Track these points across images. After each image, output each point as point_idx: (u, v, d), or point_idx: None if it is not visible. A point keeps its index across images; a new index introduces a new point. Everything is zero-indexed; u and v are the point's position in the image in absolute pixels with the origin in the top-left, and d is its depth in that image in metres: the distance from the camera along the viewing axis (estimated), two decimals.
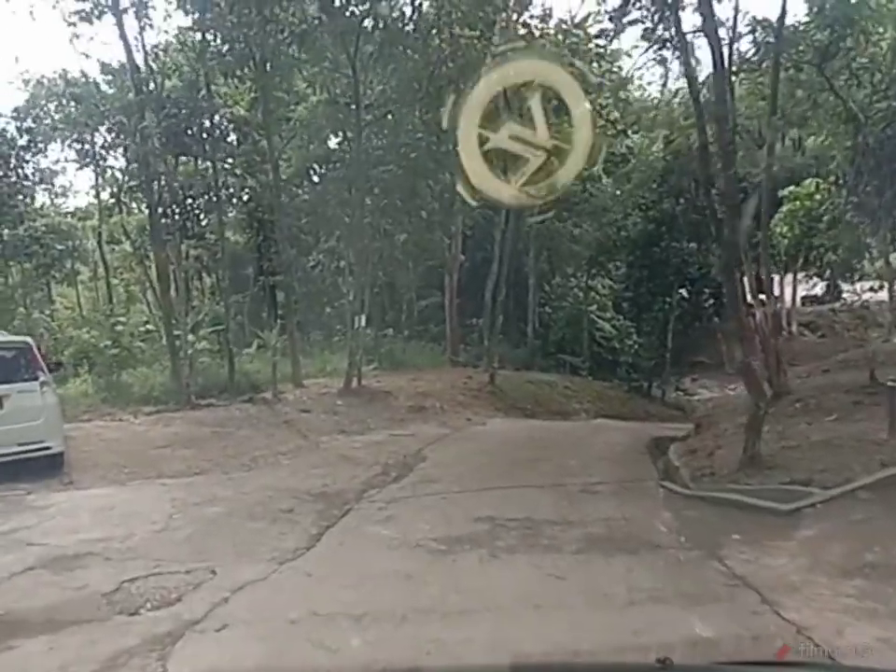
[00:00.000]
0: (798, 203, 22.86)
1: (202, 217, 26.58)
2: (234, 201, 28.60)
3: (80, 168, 26.57)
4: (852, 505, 5.80)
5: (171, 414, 12.89)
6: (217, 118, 21.39)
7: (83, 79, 23.36)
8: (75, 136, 25.71)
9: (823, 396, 10.26)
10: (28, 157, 25.03)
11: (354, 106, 16.07)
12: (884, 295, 21.92)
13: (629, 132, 28.68)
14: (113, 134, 24.16)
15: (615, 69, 28.77)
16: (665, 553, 5.20)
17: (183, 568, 4.98)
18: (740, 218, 7.83)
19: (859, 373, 11.81)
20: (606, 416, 18.48)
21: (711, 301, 27.41)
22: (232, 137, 24.62)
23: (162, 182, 24.40)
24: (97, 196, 28.81)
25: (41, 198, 29.26)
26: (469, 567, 5.03)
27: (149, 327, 20.60)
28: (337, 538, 5.89)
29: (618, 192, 25.29)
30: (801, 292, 31.89)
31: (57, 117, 25.18)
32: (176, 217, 26.43)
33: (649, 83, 30.86)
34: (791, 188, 23.22)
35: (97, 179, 28.31)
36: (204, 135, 21.74)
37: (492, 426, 13.31)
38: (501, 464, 9.16)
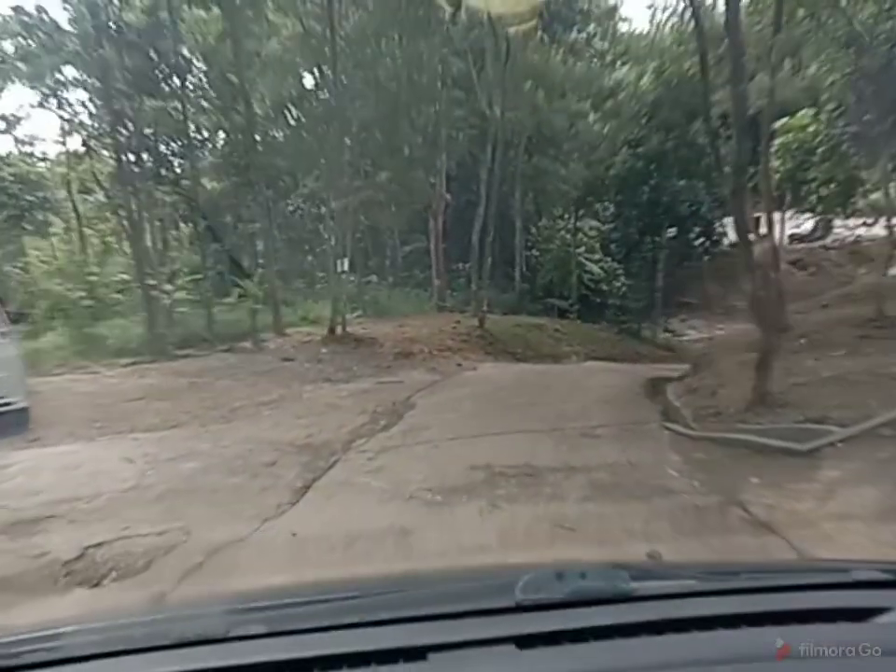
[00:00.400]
0: (791, 135, 22.14)
1: (175, 162, 25.50)
2: (209, 145, 27.53)
3: (42, 107, 25.08)
4: (876, 443, 5.41)
5: (147, 366, 12.34)
6: (183, 50, 20.21)
7: (39, 14, 21.97)
8: (34, 77, 24.31)
9: (829, 331, 9.88)
10: None
11: (329, 36, 15.10)
12: (878, 230, 21.48)
13: (617, 62, 27.80)
14: (76, 72, 22.85)
15: None
16: (681, 500, 4.80)
17: (154, 530, 4.52)
18: (749, 140, 7.25)
19: (861, 307, 11.44)
20: (597, 358, 18.14)
21: (700, 241, 26.98)
22: (201, 73, 23.44)
23: (129, 125, 23.29)
24: (63, 142, 27.57)
25: (6, 146, 27.97)
26: (470, 519, 4.60)
27: (125, 277, 19.84)
28: (324, 491, 5.44)
29: (605, 129, 24.49)
30: (788, 230, 31.42)
31: (14, 55, 23.73)
32: (149, 162, 25.40)
33: (629, 18, 29.87)
34: (785, 119, 22.49)
35: (62, 125, 27.01)
36: (169, 70, 20.62)
37: (483, 370, 12.87)
38: (495, 409, 8.73)
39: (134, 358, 13.79)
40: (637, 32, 29.59)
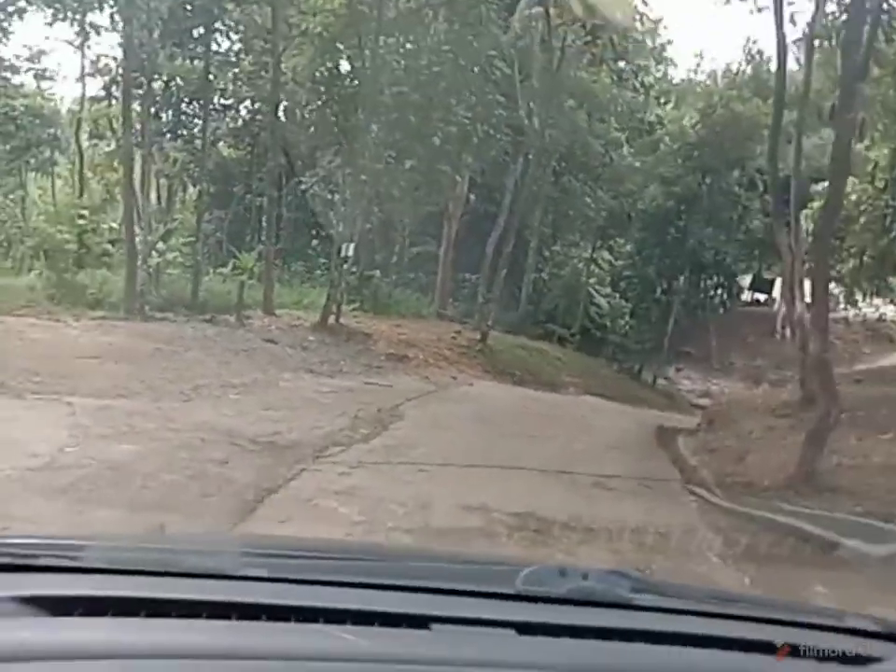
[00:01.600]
0: None
1: (195, 122, 24.38)
2: (231, 111, 26.51)
3: (68, 44, 23.92)
4: None
5: (116, 322, 11.18)
6: (217, 11, 19.20)
7: None
8: (64, 13, 23.23)
9: (871, 409, 8.84)
10: (11, 27, 22.64)
11: (376, 13, 14.12)
12: None
13: (661, 99, 27.00)
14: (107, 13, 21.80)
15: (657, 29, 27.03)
16: None
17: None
18: (845, 180, 6.27)
19: None
20: (596, 394, 17.10)
21: (718, 291, 26.07)
22: (235, 39, 22.46)
23: (154, 77, 22.22)
24: (82, 81, 26.35)
25: (25, 78, 26.80)
26: None
27: (113, 225, 18.72)
28: (278, 511, 4.32)
29: (638, 164, 23.61)
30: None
31: None
32: (168, 117, 24.34)
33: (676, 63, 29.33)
34: (825, 184, 21.71)
35: (83, 64, 25.84)
36: (202, 29, 19.61)
37: (480, 388, 11.75)
38: (494, 436, 7.61)
39: (107, 313, 12.67)
40: (682, 77, 29.19)
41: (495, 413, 9.21)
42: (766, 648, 1.15)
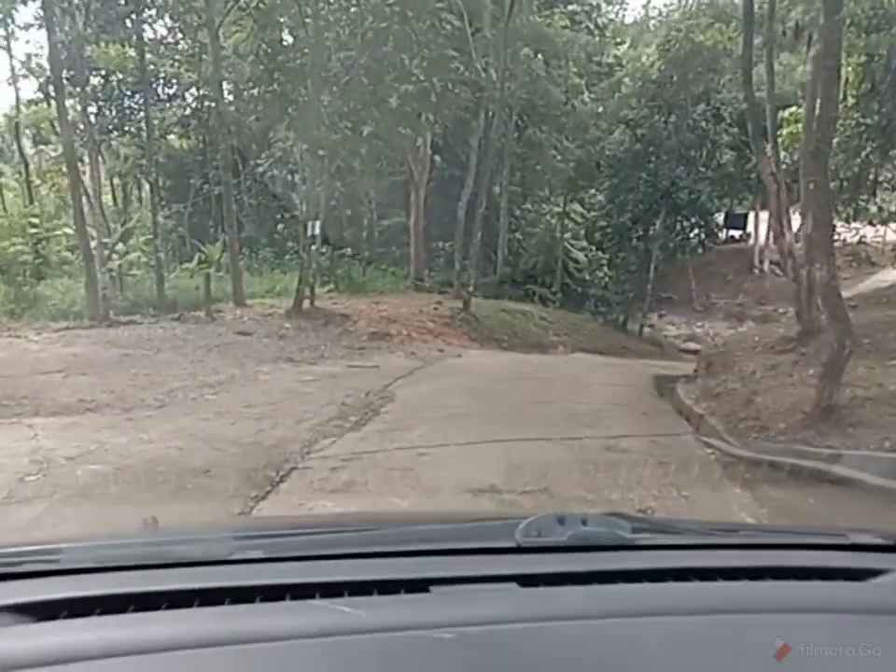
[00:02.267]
0: (801, 125, 20.89)
1: (140, 115, 23.39)
2: (177, 100, 25.49)
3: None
4: None
5: (80, 332, 10.59)
6: None
7: None
8: None
9: (875, 335, 8.54)
10: None
11: None
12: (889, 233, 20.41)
13: (617, 40, 26.33)
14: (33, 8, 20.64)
15: None
16: None
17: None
18: (839, 89, 5.85)
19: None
20: (585, 350, 16.82)
21: (696, 232, 25.74)
22: (168, 21, 21.43)
23: (92, 73, 21.18)
24: (14, 83, 25.14)
25: None
26: None
27: (70, 231, 17.91)
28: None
29: (601, 109, 23.06)
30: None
31: None
32: (112, 112, 23.33)
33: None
34: (793, 109, 21.26)
35: (12, 65, 24.65)
36: (133, 13, 18.64)
37: (469, 358, 11.33)
38: (491, 408, 7.21)
39: (71, 323, 12.07)
40: (635, 16, 28.58)
41: (488, 383, 8.80)
42: (770, 573, 1.13)
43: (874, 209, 20.21)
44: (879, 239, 22.28)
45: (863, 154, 17.87)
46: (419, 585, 1.02)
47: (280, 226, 23.21)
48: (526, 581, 1.05)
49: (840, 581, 1.13)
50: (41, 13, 18.95)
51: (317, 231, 13.65)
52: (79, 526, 3.68)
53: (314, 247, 14.84)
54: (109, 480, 4.41)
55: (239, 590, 0.99)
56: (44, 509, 3.86)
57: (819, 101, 5.62)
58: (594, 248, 24.74)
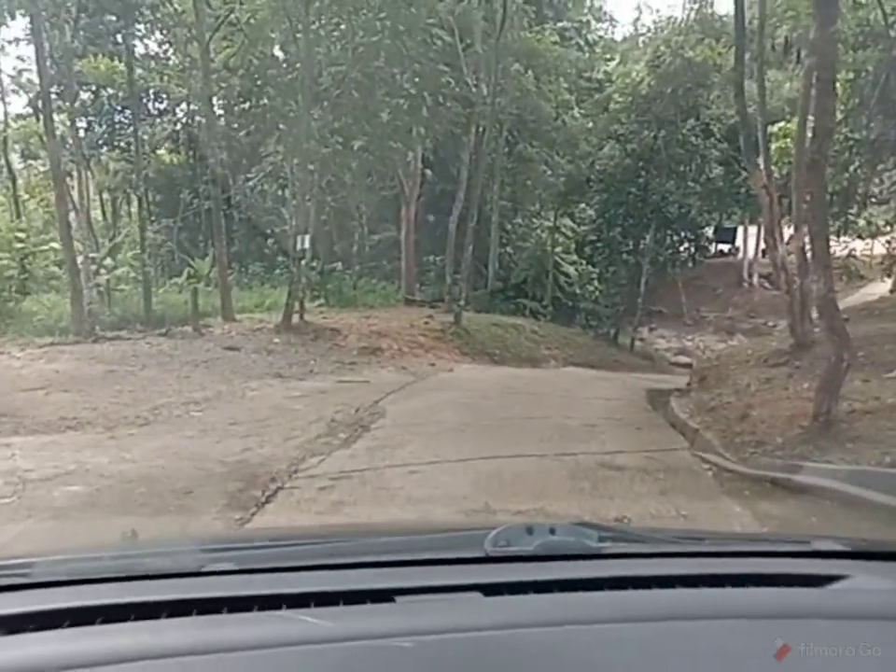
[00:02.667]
0: (789, 140, 20.99)
1: (129, 130, 23.32)
2: (167, 115, 25.45)
3: None
4: None
5: (64, 348, 10.40)
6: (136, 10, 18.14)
7: None
8: None
9: (872, 346, 8.48)
10: None
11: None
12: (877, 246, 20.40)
13: (607, 56, 26.51)
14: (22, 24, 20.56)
15: None
16: None
17: None
18: (833, 100, 5.79)
19: (889, 323, 10.17)
20: (576, 364, 16.75)
21: (686, 246, 25.81)
22: (158, 35, 21.41)
23: (83, 87, 21.12)
24: (2, 98, 24.97)
25: None
26: None
27: (57, 247, 17.71)
28: None
29: (591, 124, 23.10)
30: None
31: None
32: (102, 128, 23.28)
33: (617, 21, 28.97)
34: (781, 124, 21.39)
35: (0, 80, 24.49)
36: (122, 25, 18.58)
37: (461, 372, 11.19)
38: (484, 423, 7.07)
39: (56, 339, 11.87)
40: (624, 33, 28.86)
41: (480, 398, 8.67)
42: (732, 580, 1.14)
43: (862, 223, 20.28)
44: (868, 252, 22.33)
45: (852, 168, 17.94)
46: (384, 595, 1.03)
47: (270, 240, 23.07)
48: (491, 590, 1.06)
49: (798, 587, 1.14)
50: (31, 28, 18.93)
51: (307, 245, 13.54)
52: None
53: (303, 262, 14.72)
54: (88, 502, 4.24)
55: (207, 601, 0.99)
56: (17, 534, 3.69)
57: (814, 113, 5.56)
58: (584, 262, 24.75)
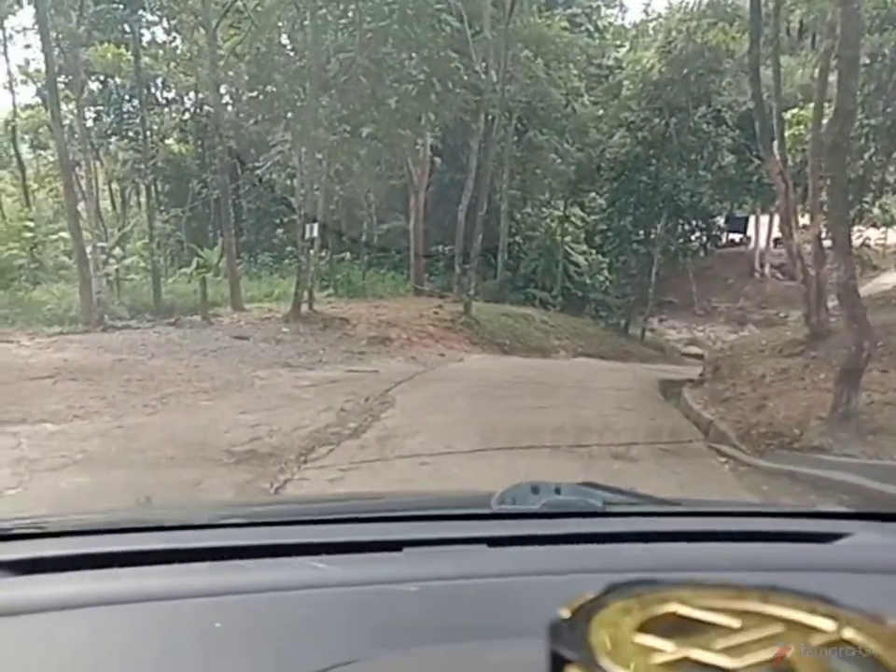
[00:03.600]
0: (803, 126, 20.68)
1: (137, 119, 23.26)
2: (175, 104, 25.39)
3: None
4: None
5: (73, 337, 10.36)
6: None
7: None
8: None
9: (889, 336, 8.33)
10: None
11: None
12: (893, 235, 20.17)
13: (617, 42, 26.19)
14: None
15: None
16: None
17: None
18: (856, 80, 5.63)
19: None
20: (586, 355, 16.63)
21: (697, 236, 25.55)
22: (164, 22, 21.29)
23: (91, 77, 21.04)
24: (11, 88, 24.93)
25: None
26: None
27: (64, 235, 17.72)
28: None
29: (601, 111, 22.85)
30: (776, 231, 30.20)
31: None
32: (110, 117, 23.23)
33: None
34: (795, 111, 21.07)
35: (8, 69, 24.47)
36: (127, 12, 18.46)
37: (470, 362, 11.11)
38: (495, 413, 6.99)
39: (65, 328, 11.85)
40: (634, 19, 28.48)
41: (490, 388, 8.57)
42: (737, 537, 1.15)
43: (877, 211, 20.00)
44: (882, 241, 22.08)
45: (867, 156, 17.65)
46: (392, 546, 1.05)
47: (279, 230, 23.03)
48: (496, 542, 1.08)
49: (806, 543, 1.17)
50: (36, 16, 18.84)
51: (316, 234, 13.45)
52: None
53: (312, 251, 14.64)
54: (94, 493, 4.18)
55: (219, 549, 1.02)
56: None
57: (837, 93, 5.40)
58: (594, 252, 24.57)
